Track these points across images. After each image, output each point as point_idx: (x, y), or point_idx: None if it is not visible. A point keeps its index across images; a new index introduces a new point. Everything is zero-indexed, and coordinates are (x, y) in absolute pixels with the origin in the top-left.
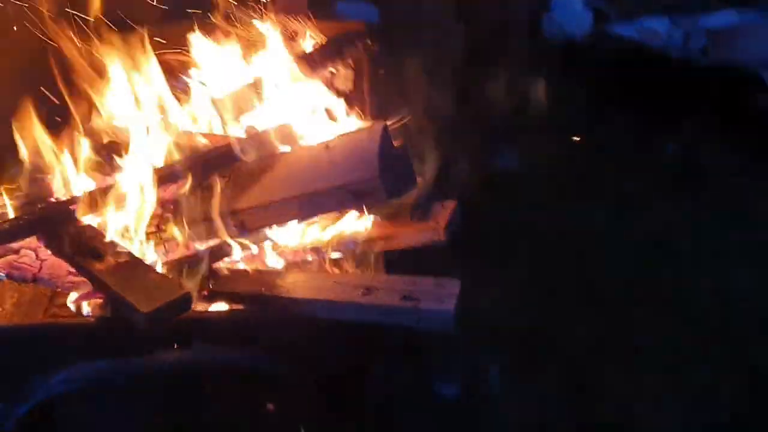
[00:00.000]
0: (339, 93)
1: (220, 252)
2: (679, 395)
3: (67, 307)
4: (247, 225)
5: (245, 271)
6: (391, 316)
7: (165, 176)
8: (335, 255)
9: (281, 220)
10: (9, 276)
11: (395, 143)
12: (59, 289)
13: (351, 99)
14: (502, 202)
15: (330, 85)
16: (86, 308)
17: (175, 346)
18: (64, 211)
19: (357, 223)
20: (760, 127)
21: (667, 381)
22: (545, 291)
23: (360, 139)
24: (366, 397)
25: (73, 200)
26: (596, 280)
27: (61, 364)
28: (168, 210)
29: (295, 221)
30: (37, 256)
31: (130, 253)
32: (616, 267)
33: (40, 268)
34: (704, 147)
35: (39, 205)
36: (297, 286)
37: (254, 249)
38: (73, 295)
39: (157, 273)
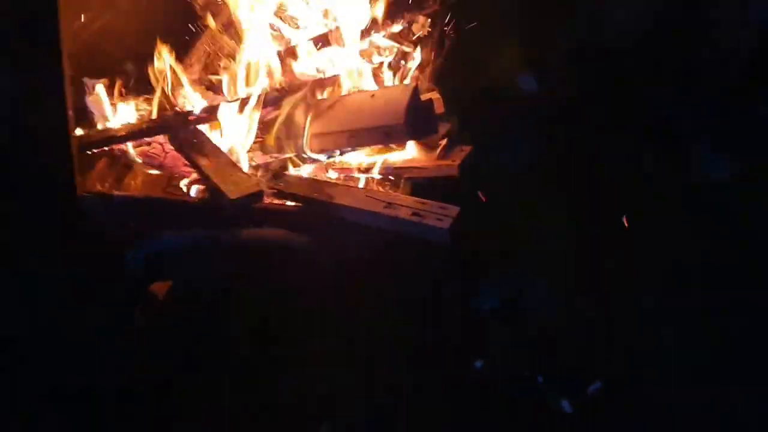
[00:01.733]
0: (413, 38)
1: (287, 163)
2: None
3: (180, 188)
4: (312, 147)
5: (306, 178)
6: (400, 226)
7: (267, 101)
8: (376, 176)
9: (334, 147)
10: (142, 161)
11: (423, 99)
12: (176, 175)
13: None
14: None
15: (408, 30)
16: (192, 191)
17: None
18: (183, 119)
19: (397, 154)
20: None
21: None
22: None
23: (395, 93)
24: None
25: (190, 112)
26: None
27: (169, 227)
28: (261, 128)
29: (345, 148)
30: (163, 149)
31: (227, 156)
32: None
33: (164, 158)
34: None
35: (167, 113)
36: (338, 194)
37: (321, 159)
38: (184, 180)
39: (244, 172)
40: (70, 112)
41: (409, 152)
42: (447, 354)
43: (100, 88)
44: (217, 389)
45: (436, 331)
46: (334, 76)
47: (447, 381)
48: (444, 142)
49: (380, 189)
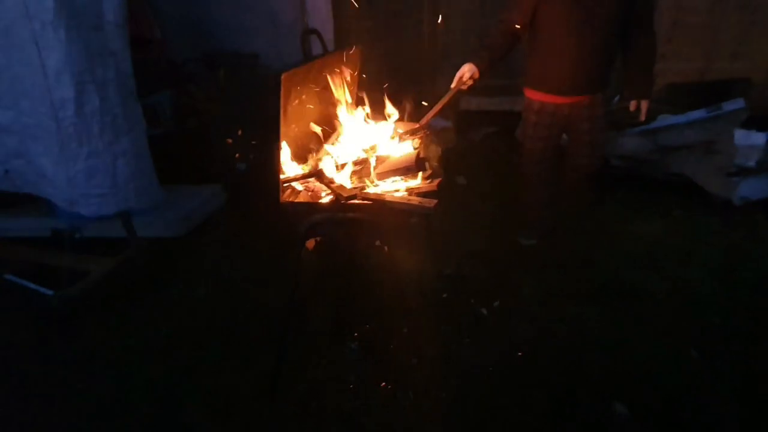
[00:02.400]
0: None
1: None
2: None
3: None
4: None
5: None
6: (414, 207)
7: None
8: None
9: (388, 177)
10: (305, 188)
11: (420, 157)
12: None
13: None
14: None
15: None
16: (325, 198)
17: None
18: (319, 171)
19: (416, 181)
20: None
21: None
22: None
23: (411, 154)
24: None
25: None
26: None
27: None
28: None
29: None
30: (314, 183)
31: (342, 184)
32: None
33: (313, 188)
34: None
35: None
36: (388, 197)
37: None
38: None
39: (345, 188)
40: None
41: (417, 180)
42: None
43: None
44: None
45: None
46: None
47: None
48: (428, 173)
49: (408, 196)
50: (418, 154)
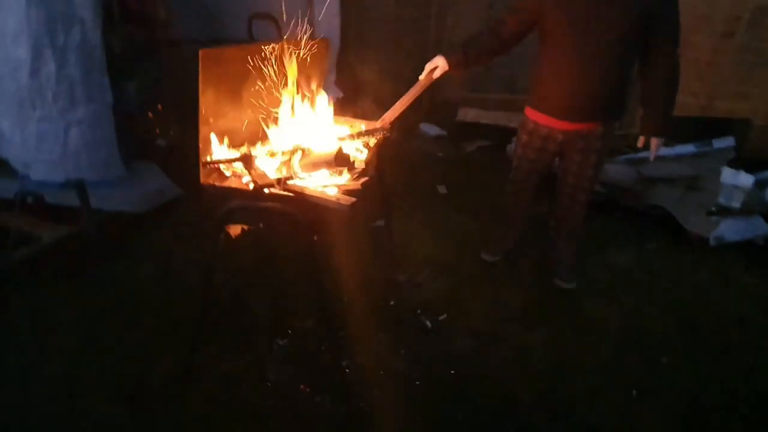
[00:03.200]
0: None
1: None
2: None
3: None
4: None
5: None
6: (328, 203)
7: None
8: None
9: (312, 170)
10: (232, 174)
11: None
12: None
13: None
14: None
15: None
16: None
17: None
18: (245, 156)
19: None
20: None
21: None
22: None
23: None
24: None
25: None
26: None
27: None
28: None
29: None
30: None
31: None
32: None
33: (241, 174)
34: None
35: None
36: (309, 192)
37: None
38: (245, 179)
39: (265, 176)
40: (201, 145)
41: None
42: None
43: (214, 138)
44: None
45: None
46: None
47: None
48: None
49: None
50: (339, 150)
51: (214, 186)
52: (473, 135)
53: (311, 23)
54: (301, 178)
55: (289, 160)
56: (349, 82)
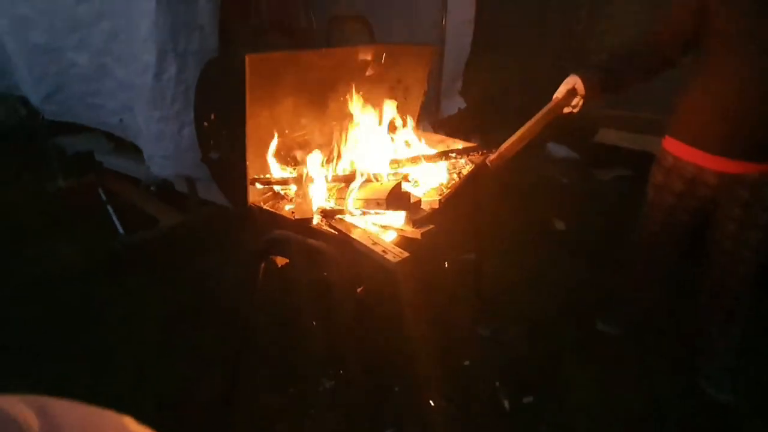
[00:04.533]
0: None
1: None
2: None
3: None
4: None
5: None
6: (373, 255)
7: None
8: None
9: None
10: (284, 195)
11: (404, 190)
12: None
13: None
14: None
15: None
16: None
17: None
18: (298, 178)
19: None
20: None
21: None
22: None
23: (389, 184)
24: None
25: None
26: None
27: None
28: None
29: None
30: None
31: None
32: None
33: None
34: None
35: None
36: (353, 232)
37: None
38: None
39: (305, 206)
40: (248, 163)
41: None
42: None
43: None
44: None
45: None
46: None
47: None
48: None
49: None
50: (396, 186)
51: (261, 209)
52: (612, 161)
53: (441, 28)
54: (353, 214)
55: (344, 189)
56: (477, 92)
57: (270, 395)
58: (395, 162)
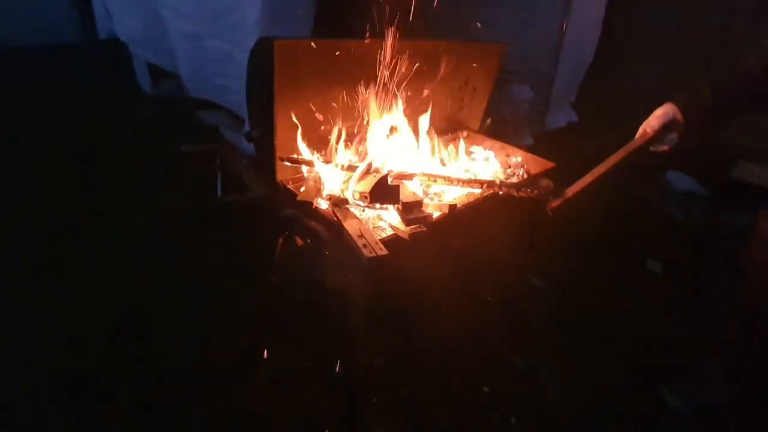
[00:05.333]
0: None
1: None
2: None
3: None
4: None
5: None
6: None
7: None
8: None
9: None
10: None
11: (391, 184)
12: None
13: None
14: None
15: None
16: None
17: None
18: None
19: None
20: None
21: None
22: None
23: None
24: None
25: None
26: None
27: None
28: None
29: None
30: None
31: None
32: None
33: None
34: None
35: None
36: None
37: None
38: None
39: (313, 188)
40: (276, 141)
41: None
42: None
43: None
44: None
45: None
46: None
47: None
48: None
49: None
50: (382, 179)
51: (284, 186)
52: (751, 203)
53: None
54: (359, 205)
55: (353, 177)
56: (594, 104)
57: (288, 362)
58: (426, 176)
